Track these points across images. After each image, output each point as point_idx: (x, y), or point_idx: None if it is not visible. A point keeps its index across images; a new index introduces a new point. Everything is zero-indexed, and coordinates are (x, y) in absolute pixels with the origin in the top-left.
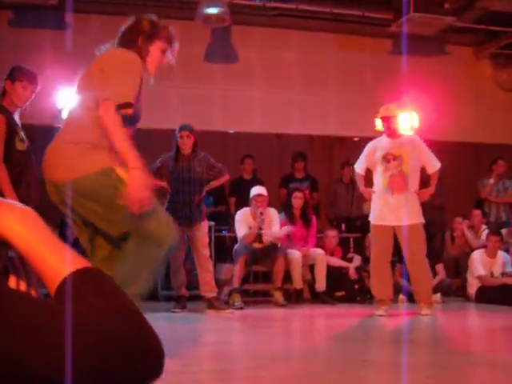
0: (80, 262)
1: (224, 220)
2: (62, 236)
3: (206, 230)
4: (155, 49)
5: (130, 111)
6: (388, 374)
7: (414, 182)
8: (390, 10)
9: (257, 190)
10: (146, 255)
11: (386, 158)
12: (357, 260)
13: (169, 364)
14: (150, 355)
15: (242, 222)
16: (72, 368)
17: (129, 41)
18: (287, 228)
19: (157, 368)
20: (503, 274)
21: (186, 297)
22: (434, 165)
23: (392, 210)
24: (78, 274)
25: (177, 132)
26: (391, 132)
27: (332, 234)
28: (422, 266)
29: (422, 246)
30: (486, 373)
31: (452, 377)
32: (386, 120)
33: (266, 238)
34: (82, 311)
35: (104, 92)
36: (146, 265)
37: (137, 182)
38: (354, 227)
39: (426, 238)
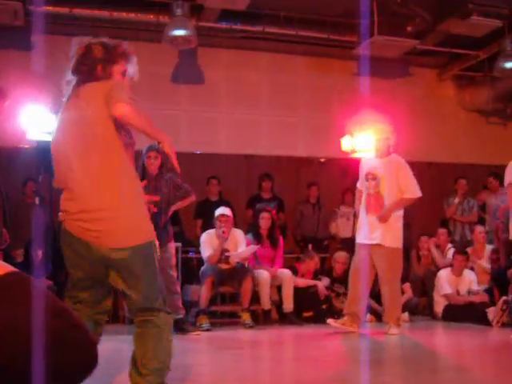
0: (7, 268)
1: (176, 238)
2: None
3: (173, 251)
4: (115, 73)
5: None
6: None
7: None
8: (354, 33)
9: (220, 211)
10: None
11: (366, 177)
12: (325, 281)
13: None
14: (82, 347)
15: (207, 243)
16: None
17: (87, 71)
18: (252, 247)
19: (90, 359)
20: (469, 293)
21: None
22: (410, 191)
23: (368, 229)
24: (9, 277)
25: (144, 152)
26: (379, 153)
27: (316, 260)
28: (393, 287)
29: (394, 267)
30: None
31: None
32: (374, 141)
33: (233, 259)
34: (14, 310)
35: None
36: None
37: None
38: (321, 247)
39: (401, 262)
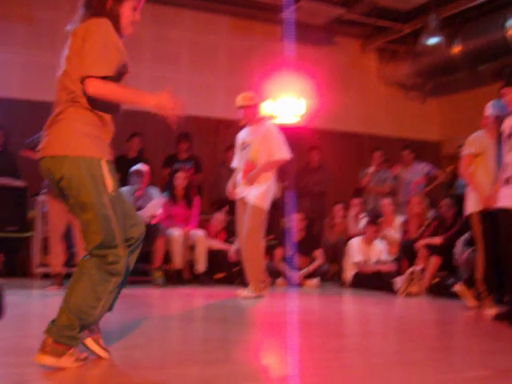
0: None
1: None
2: None
3: None
4: (126, 9)
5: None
6: (260, 354)
7: None
8: None
9: (135, 167)
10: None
11: (242, 146)
12: (237, 243)
13: (39, 343)
14: None
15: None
16: None
17: (96, 6)
18: (156, 203)
19: None
20: (378, 262)
21: (63, 274)
22: (278, 154)
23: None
24: None
25: None
26: (247, 120)
27: (220, 218)
28: (253, 246)
29: (256, 226)
30: (356, 357)
31: (324, 359)
32: (242, 109)
33: (143, 217)
34: None
35: (82, 69)
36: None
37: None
38: None
39: (263, 222)
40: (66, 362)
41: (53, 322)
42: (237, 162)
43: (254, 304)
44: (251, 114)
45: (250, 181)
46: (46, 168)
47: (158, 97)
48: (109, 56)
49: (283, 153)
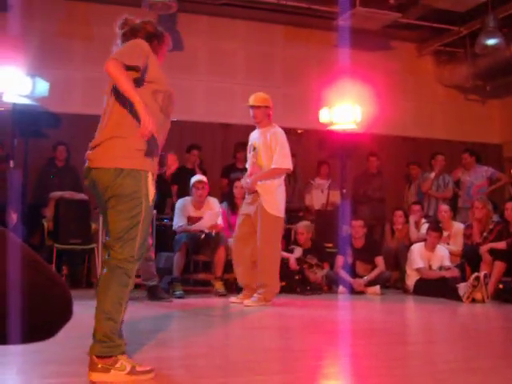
0: None
1: (162, 209)
2: (3, 220)
3: None
4: (161, 54)
5: (136, 74)
6: (327, 363)
7: None
8: (335, 4)
9: (196, 177)
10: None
11: (249, 149)
12: (297, 251)
13: None
14: (58, 299)
15: (181, 210)
16: None
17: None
18: (217, 212)
19: (66, 311)
20: (441, 268)
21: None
22: (278, 162)
23: (248, 200)
24: None
25: None
26: (257, 121)
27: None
28: (269, 255)
29: (270, 236)
30: (421, 365)
31: (389, 367)
32: (252, 109)
33: (197, 228)
34: None
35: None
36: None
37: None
38: (295, 218)
39: (280, 231)
40: (116, 375)
41: (94, 338)
42: (247, 164)
43: (316, 311)
44: (261, 116)
45: (250, 187)
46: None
47: (146, 116)
48: (135, 52)
49: (284, 162)
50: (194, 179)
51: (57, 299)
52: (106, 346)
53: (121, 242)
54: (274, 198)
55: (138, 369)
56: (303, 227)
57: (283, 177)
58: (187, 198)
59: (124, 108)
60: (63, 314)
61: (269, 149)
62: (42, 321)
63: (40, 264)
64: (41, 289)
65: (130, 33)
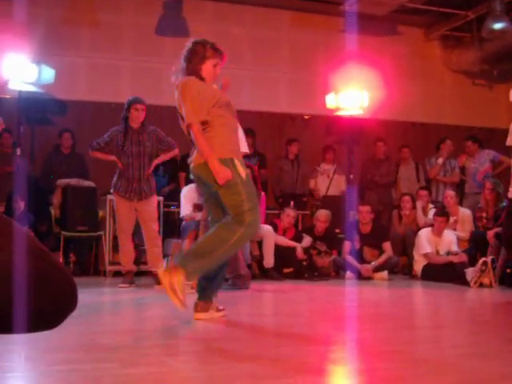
0: None
1: (174, 197)
2: (10, 207)
3: (156, 204)
4: (208, 65)
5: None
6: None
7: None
8: None
9: None
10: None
11: None
12: (306, 241)
13: (117, 339)
14: (63, 288)
15: (187, 198)
16: None
17: (187, 62)
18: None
19: (70, 300)
20: (449, 253)
21: (134, 272)
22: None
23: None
24: None
25: (128, 104)
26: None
27: (292, 214)
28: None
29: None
30: (430, 349)
31: (397, 351)
32: None
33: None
34: None
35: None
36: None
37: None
38: (300, 204)
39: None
40: (213, 314)
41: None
42: None
43: (324, 297)
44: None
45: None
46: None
47: (218, 167)
48: (199, 108)
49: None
50: None
51: (62, 288)
52: None
53: None
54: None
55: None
56: (325, 216)
57: None
58: (192, 186)
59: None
60: (68, 303)
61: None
62: (46, 310)
63: (45, 253)
64: (46, 278)
65: (187, 60)
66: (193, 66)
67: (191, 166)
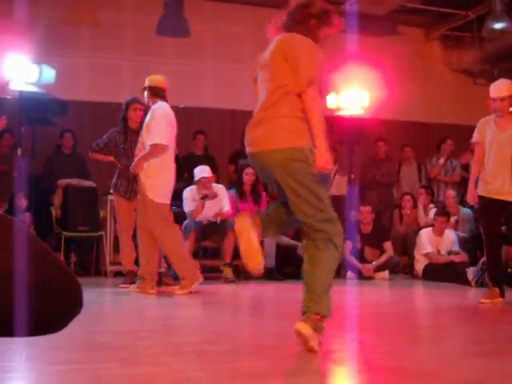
0: None
1: (174, 197)
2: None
3: None
4: (322, 34)
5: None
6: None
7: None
8: None
9: (201, 172)
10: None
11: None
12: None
13: (118, 339)
14: (67, 291)
15: (190, 199)
16: None
17: (299, 23)
18: (224, 199)
19: (75, 302)
20: (450, 253)
21: (135, 272)
22: (150, 138)
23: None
24: None
25: (127, 104)
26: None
27: None
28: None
29: (150, 220)
30: (431, 348)
31: (399, 351)
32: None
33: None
34: None
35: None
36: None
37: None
38: None
39: (157, 213)
40: (315, 339)
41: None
42: None
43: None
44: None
45: (133, 169)
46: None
47: (326, 153)
48: (315, 68)
49: (154, 137)
50: (198, 174)
51: (66, 291)
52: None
53: None
54: (152, 181)
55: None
56: None
57: (166, 156)
58: (192, 188)
59: None
60: (72, 307)
61: (147, 127)
62: (49, 313)
63: (48, 253)
64: (49, 279)
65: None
66: (307, 27)
67: (261, 149)
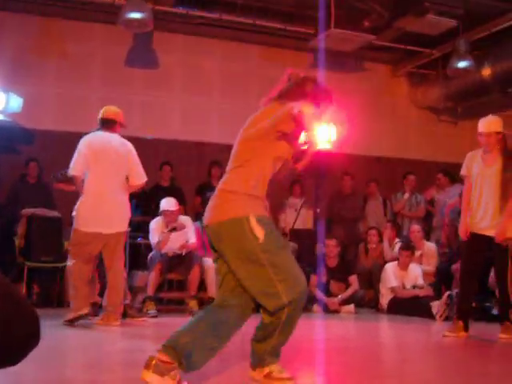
0: None
1: (140, 228)
2: None
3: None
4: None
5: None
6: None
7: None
8: (310, 25)
9: (166, 205)
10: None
11: None
12: None
13: (80, 372)
14: (27, 328)
15: (156, 230)
16: None
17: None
18: (189, 232)
19: (33, 338)
20: (414, 287)
21: (99, 304)
22: (139, 178)
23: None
24: None
25: None
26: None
27: None
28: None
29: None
30: (397, 383)
31: None
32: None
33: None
34: None
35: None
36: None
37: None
38: None
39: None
40: (168, 382)
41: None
42: None
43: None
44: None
45: None
46: None
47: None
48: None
49: (143, 178)
50: (163, 206)
51: (25, 328)
52: None
53: None
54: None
55: None
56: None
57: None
58: (159, 219)
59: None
60: (30, 342)
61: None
62: (8, 348)
63: (11, 292)
64: (10, 320)
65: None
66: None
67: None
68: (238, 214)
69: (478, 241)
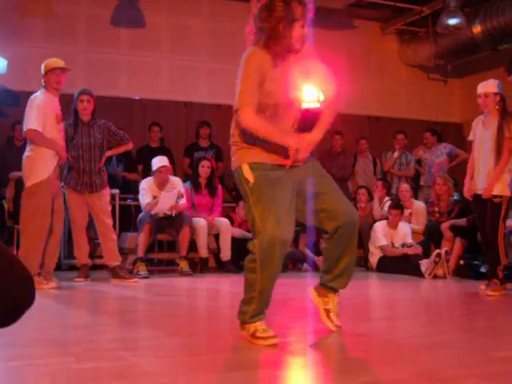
0: None
1: (130, 189)
2: None
3: (108, 198)
4: (296, 30)
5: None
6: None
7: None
8: None
9: (159, 163)
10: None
11: None
12: None
13: (73, 334)
14: (20, 286)
15: (146, 190)
16: None
17: (269, 30)
18: (178, 192)
19: (28, 297)
20: (403, 245)
21: (89, 266)
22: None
23: None
24: None
25: (76, 96)
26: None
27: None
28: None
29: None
30: (385, 341)
31: (353, 343)
32: None
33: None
34: None
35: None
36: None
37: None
38: None
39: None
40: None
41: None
42: None
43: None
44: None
45: None
46: None
47: (294, 139)
48: (248, 90)
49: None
50: (156, 164)
51: (19, 286)
52: None
53: None
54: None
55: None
56: None
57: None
58: (149, 179)
59: None
60: (25, 300)
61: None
62: (3, 307)
63: (2, 250)
64: (2, 276)
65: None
66: (278, 32)
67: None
68: (236, 165)
69: (478, 201)
